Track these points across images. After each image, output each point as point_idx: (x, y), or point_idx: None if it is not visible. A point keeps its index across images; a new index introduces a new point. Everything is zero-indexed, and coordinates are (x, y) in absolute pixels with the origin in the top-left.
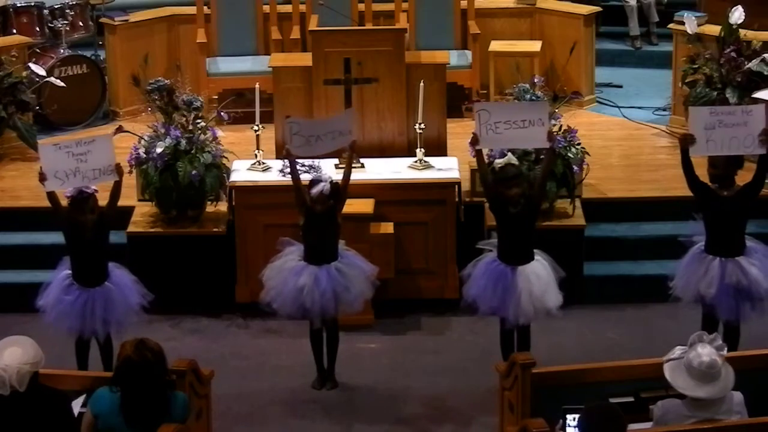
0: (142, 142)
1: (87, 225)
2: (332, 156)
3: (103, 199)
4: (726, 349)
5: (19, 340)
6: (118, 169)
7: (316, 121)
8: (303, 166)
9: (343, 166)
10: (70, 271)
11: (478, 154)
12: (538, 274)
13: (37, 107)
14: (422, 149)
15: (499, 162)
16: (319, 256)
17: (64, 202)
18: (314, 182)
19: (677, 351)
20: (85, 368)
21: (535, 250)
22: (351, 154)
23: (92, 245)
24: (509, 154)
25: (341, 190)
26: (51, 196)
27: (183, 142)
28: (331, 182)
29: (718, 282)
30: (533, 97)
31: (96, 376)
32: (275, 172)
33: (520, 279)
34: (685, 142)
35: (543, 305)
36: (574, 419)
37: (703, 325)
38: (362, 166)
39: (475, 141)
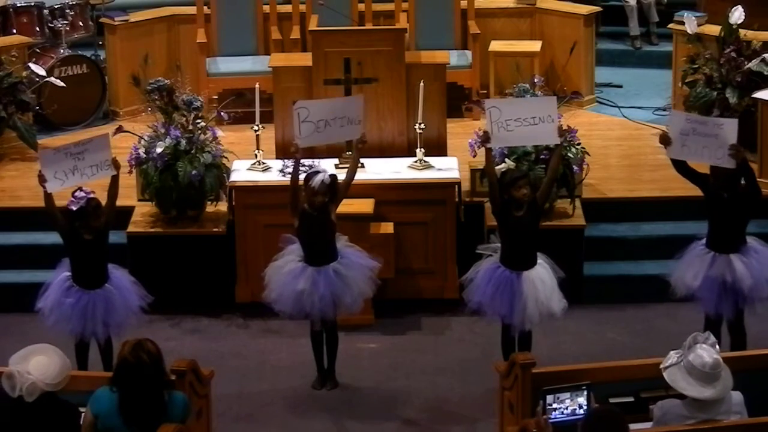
0: (142, 142)
1: (96, 230)
2: (333, 156)
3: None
4: (718, 346)
5: (53, 354)
6: (115, 163)
7: (325, 102)
8: (303, 166)
9: (344, 166)
10: (69, 273)
11: (488, 152)
12: (543, 280)
13: (37, 107)
14: (422, 149)
15: (500, 168)
16: (317, 257)
17: (59, 203)
18: (312, 174)
19: (673, 356)
20: (84, 369)
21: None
22: (357, 153)
23: (93, 248)
24: (507, 159)
25: (342, 189)
26: (48, 199)
27: (183, 142)
28: (331, 175)
29: (704, 274)
30: (533, 97)
31: (98, 376)
32: (275, 172)
33: (525, 285)
34: (663, 140)
35: (548, 310)
36: (553, 399)
37: (706, 325)
38: (362, 166)
39: (486, 139)
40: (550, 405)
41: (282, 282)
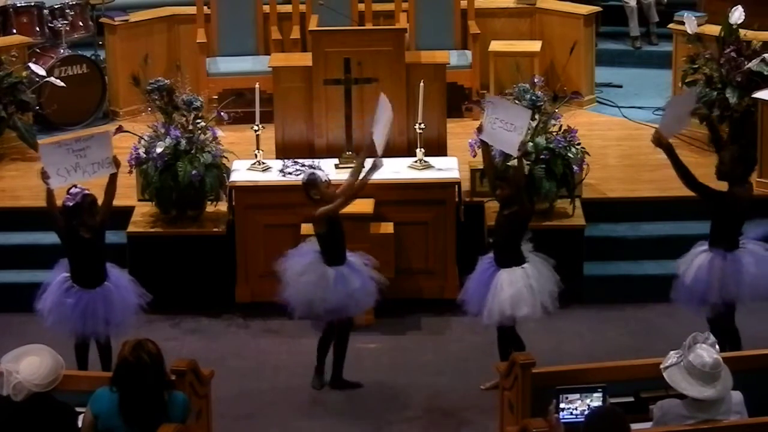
0: (142, 142)
1: (93, 228)
2: (333, 156)
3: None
4: (717, 346)
5: (46, 355)
6: (115, 161)
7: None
8: (303, 166)
9: (344, 166)
10: (68, 274)
11: (483, 144)
12: (512, 282)
13: (37, 107)
14: (422, 149)
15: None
16: (340, 257)
17: (58, 202)
18: (312, 175)
19: (673, 356)
20: (84, 369)
21: (535, 255)
22: (371, 173)
23: (92, 247)
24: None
25: (351, 194)
26: (50, 196)
27: (183, 142)
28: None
29: (684, 268)
30: (533, 97)
31: (98, 376)
32: (275, 172)
33: (494, 281)
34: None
35: (512, 314)
36: (566, 399)
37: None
38: (363, 166)
39: (480, 129)
40: (559, 405)
41: (303, 284)
